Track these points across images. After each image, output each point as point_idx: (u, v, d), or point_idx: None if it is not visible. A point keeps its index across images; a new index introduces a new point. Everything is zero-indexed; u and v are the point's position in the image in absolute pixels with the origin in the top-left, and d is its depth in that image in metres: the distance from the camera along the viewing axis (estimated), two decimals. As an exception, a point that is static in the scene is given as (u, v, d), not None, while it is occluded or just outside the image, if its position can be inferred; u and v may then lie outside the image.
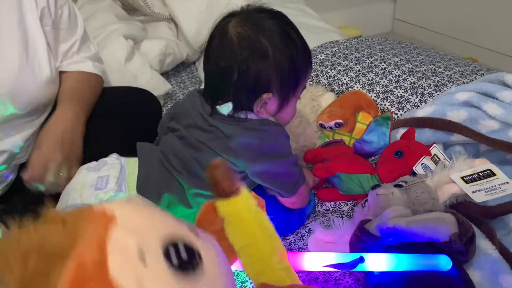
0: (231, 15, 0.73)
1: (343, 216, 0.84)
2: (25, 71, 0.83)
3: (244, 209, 0.54)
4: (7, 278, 0.38)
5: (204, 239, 0.50)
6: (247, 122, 0.74)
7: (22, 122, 0.87)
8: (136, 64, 1.30)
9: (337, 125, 0.92)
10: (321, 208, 0.87)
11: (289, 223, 0.81)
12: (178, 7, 1.48)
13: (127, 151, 0.90)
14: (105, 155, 0.84)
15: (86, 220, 0.42)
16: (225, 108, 0.74)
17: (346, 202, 0.88)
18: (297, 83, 0.74)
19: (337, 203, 0.88)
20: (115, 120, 0.96)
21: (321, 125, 0.93)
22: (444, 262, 0.61)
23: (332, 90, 1.14)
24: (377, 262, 0.64)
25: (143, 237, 0.43)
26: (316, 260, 0.66)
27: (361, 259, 0.64)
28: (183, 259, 0.43)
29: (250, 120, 0.74)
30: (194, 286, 0.42)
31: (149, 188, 0.74)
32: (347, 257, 0.65)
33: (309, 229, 0.82)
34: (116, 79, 1.21)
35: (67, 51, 0.95)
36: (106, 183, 0.72)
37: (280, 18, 0.73)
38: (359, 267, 0.64)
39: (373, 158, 0.93)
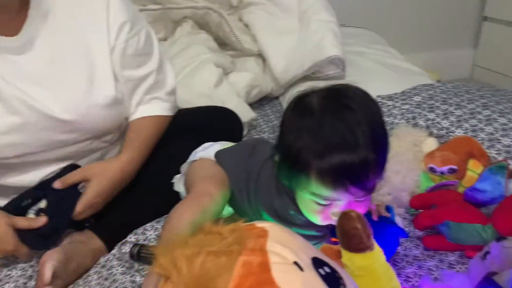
0: None
1: (452, 267, 0.80)
2: (90, 97, 0.86)
3: (377, 265, 0.53)
4: (175, 277, 0.42)
5: (340, 268, 0.50)
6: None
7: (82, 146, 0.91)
8: (224, 90, 1.36)
9: (450, 170, 0.88)
10: (424, 251, 0.83)
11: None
12: (268, 44, 1.53)
13: None
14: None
15: (243, 231, 0.47)
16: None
17: (453, 252, 0.83)
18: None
19: (442, 253, 0.83)
20: (197, 137, 0.96)
21: (431, 168, 0.89)
22: None
23: (431, 134, 1.11)
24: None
25: (294, 250, 0.46)
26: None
27: None
28: (330, 276, 0.46)
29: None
30: None
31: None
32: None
33: (412, 284, 0.76)
34: (204, 104, 1.25)
35: (139, 83, 0.94)
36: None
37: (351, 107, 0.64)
38: None
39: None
